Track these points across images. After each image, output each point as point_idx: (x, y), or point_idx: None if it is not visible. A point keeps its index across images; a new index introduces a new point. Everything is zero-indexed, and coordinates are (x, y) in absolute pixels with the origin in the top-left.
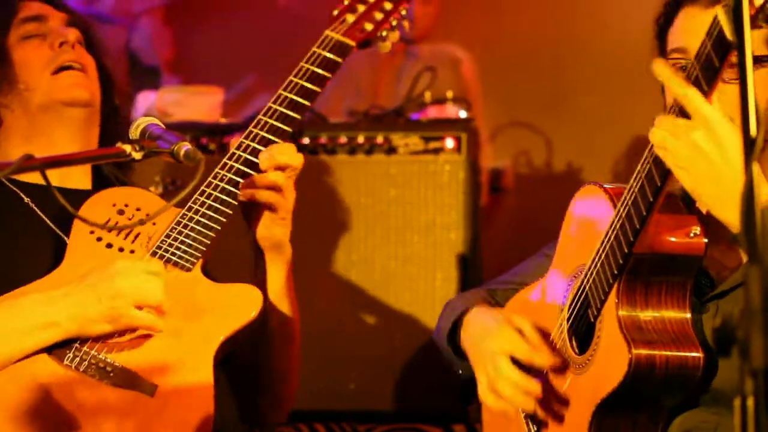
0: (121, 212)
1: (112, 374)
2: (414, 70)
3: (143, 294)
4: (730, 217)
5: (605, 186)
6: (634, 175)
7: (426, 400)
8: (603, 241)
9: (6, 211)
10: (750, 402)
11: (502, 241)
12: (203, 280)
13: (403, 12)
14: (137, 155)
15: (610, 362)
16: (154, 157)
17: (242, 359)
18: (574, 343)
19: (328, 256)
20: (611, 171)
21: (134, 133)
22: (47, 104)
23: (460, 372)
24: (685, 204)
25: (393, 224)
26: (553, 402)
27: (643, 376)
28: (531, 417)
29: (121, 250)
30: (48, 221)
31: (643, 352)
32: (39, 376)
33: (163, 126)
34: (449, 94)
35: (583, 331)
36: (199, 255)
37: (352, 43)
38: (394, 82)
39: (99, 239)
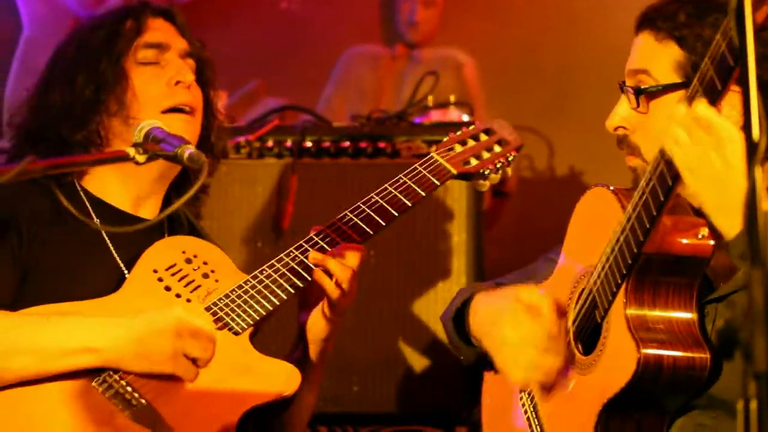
0: (188, 261)
1: (136, 408)
2: (417, 75)
3: (195, 347)
4: (726, 225)
5: (613, 188)
6: (645, 177)
7: (429, 402)
8: (612, 242)
9: (79, 227)
10: (753, 405)
11: (504, 244)
12: (248, 347)
13: (510, 158)
14: (140, 158)
15: (617, 362)
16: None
17: None
18: (579, 344)
19: None
20: (613, 175)
21: (138, 136)
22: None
23: (462, 358)
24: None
25: (396, 227)
26: (557, 403)
27: (651, 376)
28: (534, 417)
29: (178, 296)
30: (113, 250)
31: (652, 352)
32: (64, 390)
33: (166, 129)
34: (452, 98)
35: (588, 332)
36: (251, 323)
37: (454, 171)
38: (397, 86)
39: (160, 279)
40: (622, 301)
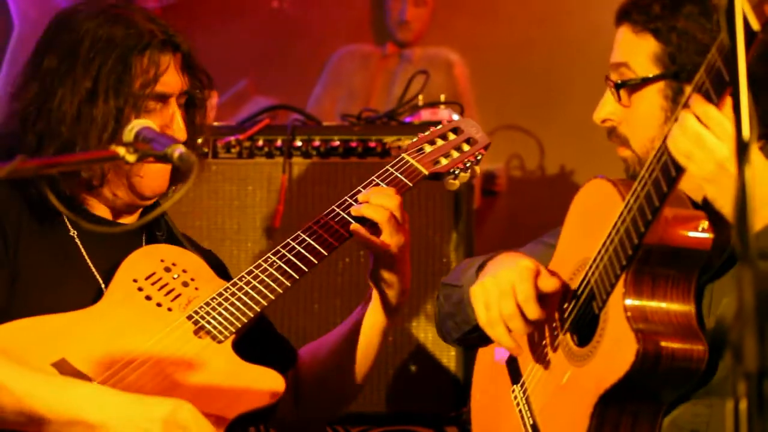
0: (167, 269)
1: None
2: (407, 74)
3: None
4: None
5: (613, 180)
6: (646, 167)
7: (419, 402)
8: (611, 233)
9: (53, 236)
10: (743, 405)
11: (495, 243)
12: (231, 355)
13: (479, 157)
14: (131, 158)
15: (615, 353)
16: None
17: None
18: (574, 336)
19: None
20: (603, 173)
21: (128, 136)
22: (133, 180)
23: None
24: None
25: None
26: (550, 396)
27: (649, 367)
28: (527, 410)
29: (159, 305)
30: (87, 258)
31: (650, 343)
32: None
33: (156, 129)
34: (442, 97)
35: (585, 325)
36: (234, 330)
37: (426, 172)
38: (387, 85)
39: (140, 289)
40: (621, 291)
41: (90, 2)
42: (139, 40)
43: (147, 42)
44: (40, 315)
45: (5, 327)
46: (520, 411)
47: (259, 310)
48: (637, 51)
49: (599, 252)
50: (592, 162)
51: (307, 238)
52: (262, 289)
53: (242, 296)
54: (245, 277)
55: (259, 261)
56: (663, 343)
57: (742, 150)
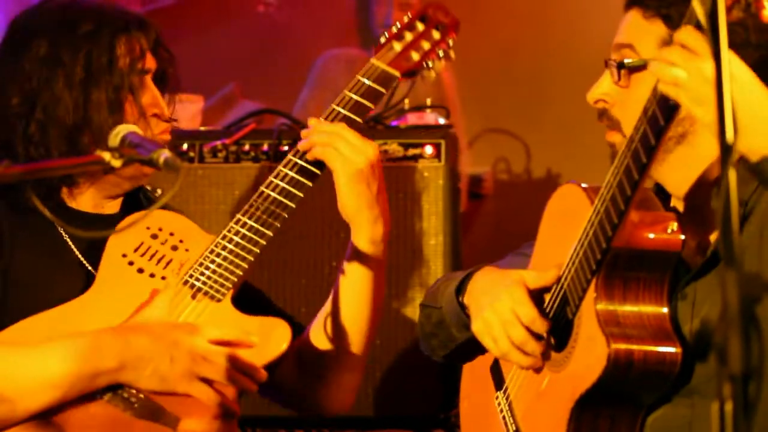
0: (154, 236)
1: (136, 405)
2: None
3: (209, 370)
4: (755, 144)
5: (582, 185)
6: (612, 170)
7: (406, 405)
8: (581, 238)
9: (37, 233)
10: (728, 407)
11: (482, 246)
12: (232, 312)
13: (450, 42)
14: (116, 163)
15: (588, 358)
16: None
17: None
18: (552, 341)
19: (308, 262)
20: (590, 176)
21: (113, 140)
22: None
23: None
24: (660, 200)
25: None
26: (531, 401)
27: (622, 371)
28: (510, 416)
29: (152, 275)
30: (73, 247)
31: (622, 346)
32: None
33: (141, 134)
34: (428, 101)
35: (561, 329)
36: (230, 286)
37: (397, 74)
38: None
39: (131, 263)
40: (593, 296)
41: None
42: (120, 22)
43: (127, 23)
44: (34, 308)
45: (2, 333)
46: (504, 417)
47: (252, 258)
48: (645, 34)
49: (571, 257)
50: (578, 165)
51: (288, 172)
52: (252, 236)
53: (234, 247)
54: (234, 227)
55: (245, 207)
56: (635, 347)
57: (725, 153)
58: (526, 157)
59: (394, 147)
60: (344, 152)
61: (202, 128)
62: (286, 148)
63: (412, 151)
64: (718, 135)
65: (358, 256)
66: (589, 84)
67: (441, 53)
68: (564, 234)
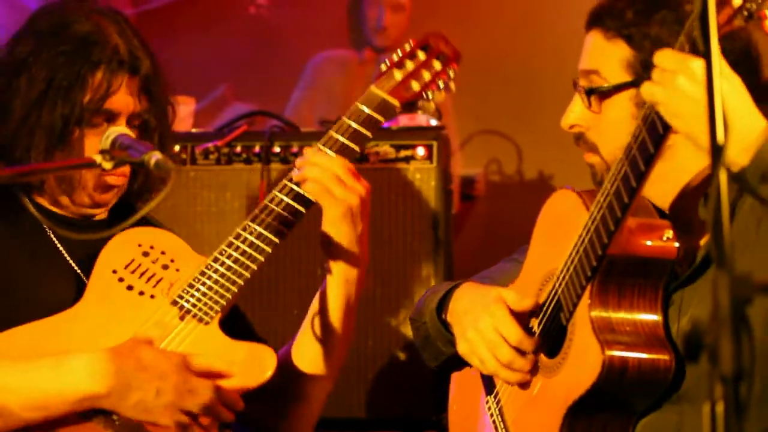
0: (146, 254)
1: (117, 423)
2: None
3: (193, 403)
4: (731, 155)
5: (578, 190)
6: (609, 178)
7: (398, 407)
8: (576, 244)
9: (29, 239)
10: (720, 408)
11: (474, 248)
12: (220, 336)
13: (451, 73)
14: (107, 165)
15: (582, 365)
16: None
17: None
18: (544, 347)
19: (299, 264)
20: (582, 178)
21: (104, 143)
22: (78, 197)
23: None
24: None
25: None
26: (522, 407)
27: (616, 378)
28: (500, 422)
29: (141, 293)
30: (66, 255)
31: (616, 354)
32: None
33: (133, 136)
34: (420, 102)
35: (554, 335)
36: (219, 309)
37: (397, 104)
38: (365, 91)
39: (121, 279)
40: (587, 303)
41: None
42: (100, 54)
43: (106, 58)
44: (25, 314)
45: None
46: (494, 422)
47: (242, 283)
48: (609, 57)
49: (565, 263)
50: (570, 166)
51: (283, 198)
52: (244, 260)
53: (225, 271)
54: (226, 250)
55: (238, 230)
56: (629, 354)
57: (716, 154)
58: (518, 158)
59: (385, 148)
60: (335, 192)
61: (194, 130)
62: (277, 149)
63: (403, 153)
64: (709, 136)
65: (331, 292)
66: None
67: (441, 84)
68: (558, 239)
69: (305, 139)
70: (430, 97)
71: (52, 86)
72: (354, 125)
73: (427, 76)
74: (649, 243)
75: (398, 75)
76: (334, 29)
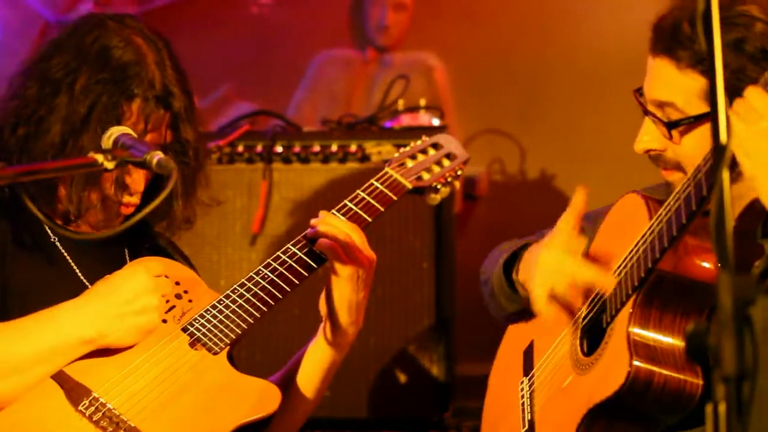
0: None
1: (122, 431)
2: (387, 78)
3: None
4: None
5: (648, 198)
6: (674, 193)
7: (401, 407)
8: (632, 251)
9: (36, 244)
10: (722, 408)
11: (476, 248)
12: (226, 367)
13: (459, 172)
14: (109, 165)
15: (610, 370)
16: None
17: None
18: (584, 341)
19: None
20: (583, 179)
21: (106, 142)
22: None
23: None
24: None
25: (366, 231)
26: (551, 396)
27: (639, 390)
28: (529, 404)
29: None
30: (72, 264)
31: (643, 366)
32: (50, 418)
33: (135, 136)
34: (422, 102)
35: (593, 334)
36: (228, 342)
37: (409, 186)
38: (367, 90)
39: None
40: (629, 311)
41: (118, 16)
42: (137, 87)
43: (142, 92)
44: (24, 314)
45: None
46: (523, 404)
47: (252, 321)
48: (685, 89)
49: (618, 267)
50: (573, 166)
51: (297, 252)
52: (255, 301)
53: (236, 308)
54: (238, 290)
55: (251, 273)
56: (657, 369)
57: (718, 154)
58: (521, 158)
59: (387, 148)
60: (347, 252)
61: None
62: (280, 149)
63: None
64: (712, 136)
65: (319, 347)
66: (585, 86)
67: (449, 179)
68: (618, 242)
69: (307, 139)
70: (438, 188)
71: (93, 116)
72: (367, 198)
73: (436, 169)
74: (703, 265)
75: (410, 163)
76: (337, 29)
